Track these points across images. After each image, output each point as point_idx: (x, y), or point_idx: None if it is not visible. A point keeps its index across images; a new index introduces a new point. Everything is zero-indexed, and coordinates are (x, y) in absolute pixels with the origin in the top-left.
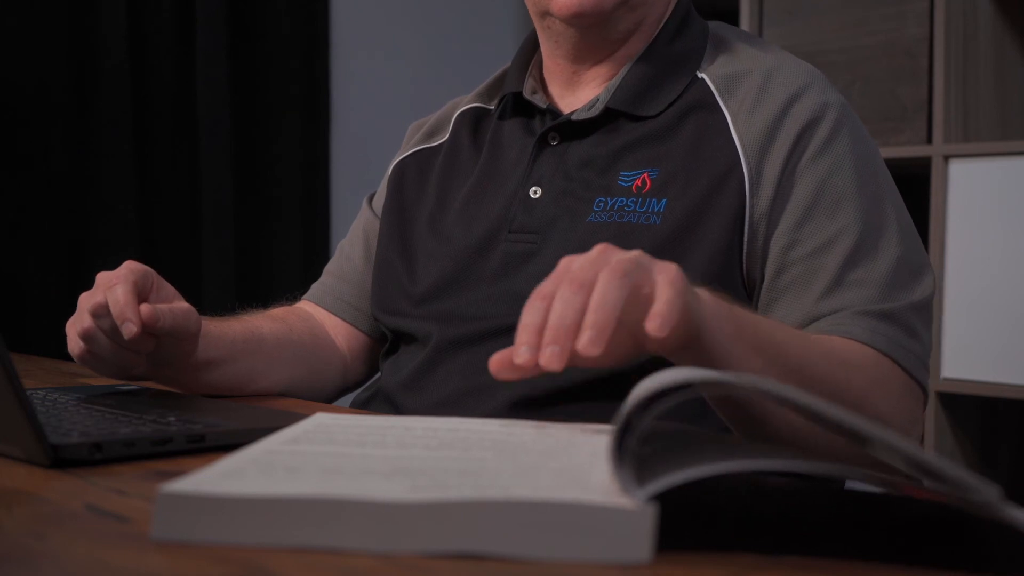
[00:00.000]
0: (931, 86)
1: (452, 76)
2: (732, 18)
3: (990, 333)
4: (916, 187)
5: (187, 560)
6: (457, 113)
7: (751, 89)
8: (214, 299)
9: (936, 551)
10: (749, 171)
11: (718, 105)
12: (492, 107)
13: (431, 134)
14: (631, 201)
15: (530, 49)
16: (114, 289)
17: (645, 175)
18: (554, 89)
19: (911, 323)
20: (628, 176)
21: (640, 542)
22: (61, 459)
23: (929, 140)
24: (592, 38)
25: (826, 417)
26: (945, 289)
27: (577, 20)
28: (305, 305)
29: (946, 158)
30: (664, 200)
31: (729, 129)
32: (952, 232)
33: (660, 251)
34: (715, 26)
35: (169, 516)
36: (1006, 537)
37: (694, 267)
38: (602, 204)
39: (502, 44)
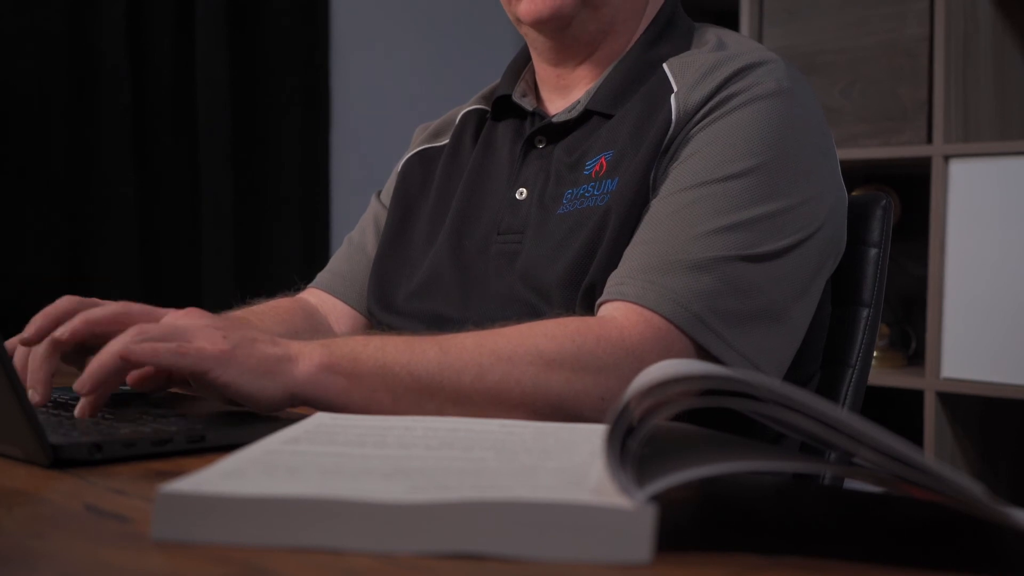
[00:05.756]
0: (931, 86)
1: (452, 75)
2: (732, 18)
3: (990, 333)
4: (916, 187)
5: (187, 560)
6: (460, 115)
7: (703, 65)
8: (214, 299)
9: (936, 551)
10: (673, 138)
11: (670, 83)
12: (489, 110)
13: (436, 134)
14: (591, 186)
15: (526, 54)
16: (35, 352)
17: (603, 159)
18: (545, 93)
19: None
20: (591, 164)
21: (640, 542)
22: (61, 459)
23: (929, 140)
24: (562, 41)
25: (826, 419)
26: (945, 289)
27: (540, 25)
28: (309, 295)
29: (946, 158)
30: (616, 179)
31: (671, 101)
32: (952, 232)
33: (607, 229)
34: (703, 27)
35: (169, 516)
36: (1006, 537)
37: None
38: (570, 195)
39: (502, 43)
